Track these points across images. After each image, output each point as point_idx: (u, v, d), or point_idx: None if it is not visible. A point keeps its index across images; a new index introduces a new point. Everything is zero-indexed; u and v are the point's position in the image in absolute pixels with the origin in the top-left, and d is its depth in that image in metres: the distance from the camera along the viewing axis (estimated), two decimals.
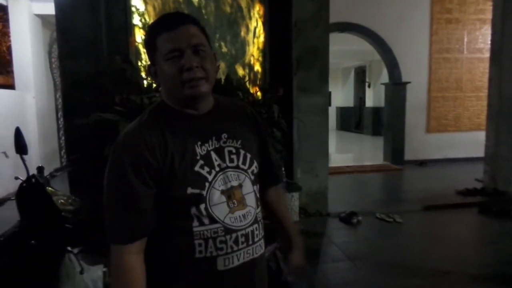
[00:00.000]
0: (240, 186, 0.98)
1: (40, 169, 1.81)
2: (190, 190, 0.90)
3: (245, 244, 0.96)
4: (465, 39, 7.47)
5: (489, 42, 5.39)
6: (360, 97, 14.66)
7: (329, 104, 15.33)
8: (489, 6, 5.92)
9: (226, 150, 0.98)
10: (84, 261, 1.59)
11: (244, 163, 1.00)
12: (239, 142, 1.01)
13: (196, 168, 0.92)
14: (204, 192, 0.92)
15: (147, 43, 0.96)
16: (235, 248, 0.94)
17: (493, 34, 5.19)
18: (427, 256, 3.20)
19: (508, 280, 2.76)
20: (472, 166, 6.27)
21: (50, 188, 1.76)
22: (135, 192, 0.88)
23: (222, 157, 0.97)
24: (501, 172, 5.03)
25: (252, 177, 1.02)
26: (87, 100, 3.37)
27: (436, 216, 4.26)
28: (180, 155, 0.91)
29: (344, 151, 10.84)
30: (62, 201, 1.72)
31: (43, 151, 6.16)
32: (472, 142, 7.11)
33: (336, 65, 14.31)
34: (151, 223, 0.91)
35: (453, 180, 5.73)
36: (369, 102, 13.46)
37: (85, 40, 3.46)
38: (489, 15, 5.62)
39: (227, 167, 0.97)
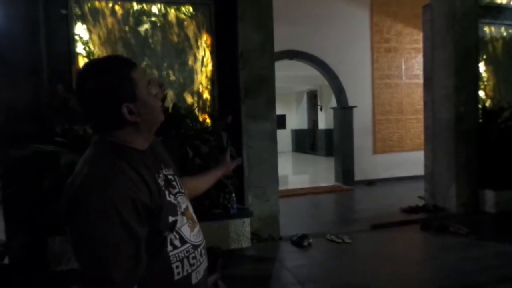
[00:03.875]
0: (188, 206, 1.08)
1: None
2: (171, 219, 0.97)
3: (205, 256, 1.08)
4: (403, 66, 8.08)
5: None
6: (313, 120, 15.17)
7: (284, 127, 15.55)
8: (422, 37, 6.48)
9: (169, 177, 1.06)
10: None
11: (182, 187, 1.10)
12: (171, 170, 1.09)
13: (168, 198, 0.99)
14: (178, 218, 0.99)
15: (121, 79, 0.92)
16: (201, 260, 1.05)
17: (425, 63, 5.67)
18: (375, 275, 3.31)
19: None
20: (416, 184, 6.64)
21: None
22: (138, 237, 0.87)
23: (172, 185, 1.04)
24: (439, 189, 5.39)
25: (189, 198, 1.14)
26: (25, 131, 3.22)
27: (382, 235, 4.45)
28: (155, 189, 0.95)
29: (300, 173, 11.07)
30: None
31: None
32: (415, 161, 7.52)
33: (289, 89, 14.79)
34: (145, 265, 0.92)
35: (398, 198, 6.03)
36: (322, 125, 13.98)
37: (23, 69, 3.34)
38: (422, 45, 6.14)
39: (178, 192, 1.05)
